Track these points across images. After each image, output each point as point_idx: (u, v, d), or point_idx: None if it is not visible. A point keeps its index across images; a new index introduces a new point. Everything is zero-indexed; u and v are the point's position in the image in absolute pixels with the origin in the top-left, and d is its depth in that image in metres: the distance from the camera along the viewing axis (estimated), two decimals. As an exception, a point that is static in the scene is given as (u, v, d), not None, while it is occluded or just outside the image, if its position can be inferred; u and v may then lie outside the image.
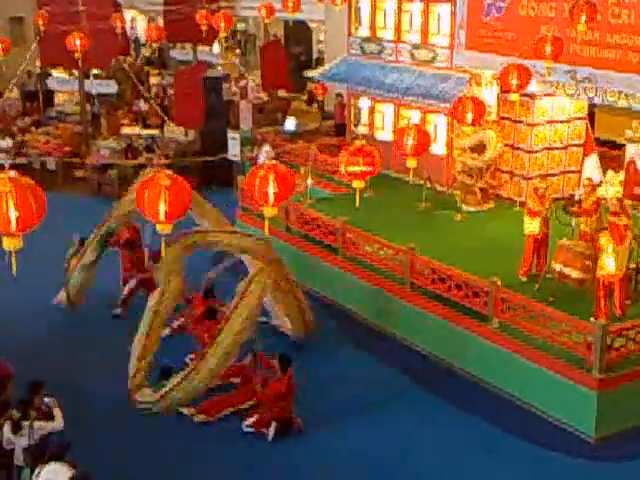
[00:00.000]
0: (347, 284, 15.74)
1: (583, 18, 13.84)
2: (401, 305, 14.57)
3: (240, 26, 35.42)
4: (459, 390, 13.11)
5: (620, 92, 15.24)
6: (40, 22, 24.59)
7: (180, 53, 33.73)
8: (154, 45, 26.85)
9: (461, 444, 11.72)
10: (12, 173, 7.80)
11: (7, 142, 24.24)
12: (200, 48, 30.24)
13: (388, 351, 14.35)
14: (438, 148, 18.49)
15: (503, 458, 11.43)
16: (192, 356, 13.10)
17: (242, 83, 28.74)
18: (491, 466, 11.26)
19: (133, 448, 11.55)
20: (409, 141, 13.23)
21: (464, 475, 11.11)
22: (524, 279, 14.05)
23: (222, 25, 23.42)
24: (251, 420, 11.91)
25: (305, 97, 29.29)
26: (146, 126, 26.18)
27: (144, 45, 35.01)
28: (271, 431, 11.73)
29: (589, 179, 14.40)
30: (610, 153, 18.71)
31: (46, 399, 9.94)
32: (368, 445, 11.68)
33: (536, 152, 17.61)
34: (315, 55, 33.86)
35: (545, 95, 17.11)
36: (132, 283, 15.38)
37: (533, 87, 15.98)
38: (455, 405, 12.67)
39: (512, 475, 11.10)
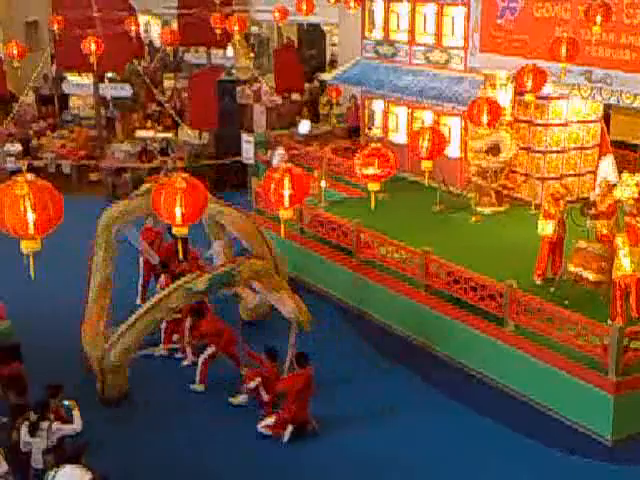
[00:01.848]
0: (361, 286, 15.73)
1: (598, 19, 13.81)
2: (415, 307, 14.55)
3: (254, 29, 35.46)
4: (474, 392, 13.08)
5: (636, 93, 15.19)
6: (55, 26, 24.71)
7: (194, 57, 33.83)
8: (168, 49, 26.92)
9: (476, 446, 11.69)
10: (30, 176, 7.82)
11: (16, 147, 24.36)
12: (214, 51, 30.31)
13: (402, 352, 14.34)
14: (453, 150, 18.46)
15: (519, 461, 11.39)
16: None
17: (256, 86, 28.77)
18: (507, 468, 11.22)
19: (145, 449, 11.58)
20: (424, 143, 13.21)
21: (477, 476, 11.08)
22: (539, 281, 14.02)
23: (236, 28, 23.47)
24: (267, 422, 11.90)
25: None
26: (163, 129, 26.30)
27: (158, 49, 35.13)
28: (287, 434, 11.73)
29: (605, 181, 14.35)
30: (626, 154, 18.65)
31: (65, 402, 9.98)
32: (379, 446, 11.66)
33: (551, 154, 17.57)
34: (328, 58, 33.86)
35: (560, 97, 17.06)
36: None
37: (548, 89, 15.95)
38: (470, 407, 12.64)
39: (529, 478, 11.07)
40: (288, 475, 11.15)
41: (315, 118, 26.71)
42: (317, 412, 12.07)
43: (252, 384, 12.37)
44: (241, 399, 12.66)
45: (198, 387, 13.11)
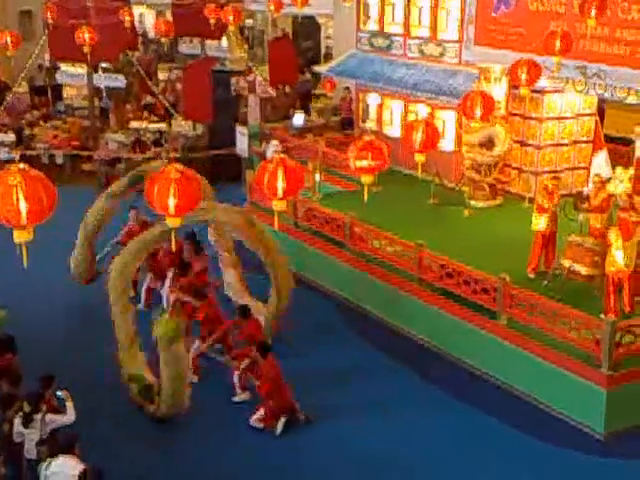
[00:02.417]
0: (355, 279, 15.73)
1: (593, 13, 13.79)
2: (409, 301, 14.55)
3: (248, 21, 35.36)
4: (467, 386, 13.10)
5: (630, 88, 15.18)
6: (49, 16, 24.62)
7: (188, 47, 33.71)
8: (163, 39, 26.78)
9: (468, 440, 11.71)
10: (22, 165, 7.78)
11: (9, 137, 24.25)
12: (208, 43, 30.22)
13: (396, 346, 14.35)
14: (447, 144, 18.47)
15: (512, 454, 11.42)
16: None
17: (250, 78, 28.71)
18: (499, 462, 11.25)
19: (142, 444, 11.59)
20: (418, 136, 13.17)
21: (472, 471, 11.10)
22: (532, 275, 14.04)
23: (231, 19, 23.38)
24: (258, 415, 11.89)
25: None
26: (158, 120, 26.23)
27: (152, 40, 34.98)
28: (280, 425, 11.74)
29: (598, 175, 14.36)
30: (619, 149, 18.65)
31: (59, 393, 9.96)
32: (374, 440, 11.66)
33: (545, 148, 17.58)
34: (323, 50, 33.80)
35: (554, 91, 17.05)
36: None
37: (543, 83, 15.93)
38: (462, 401, 12.66)
39: (521, 471, 11.08)
40: (287, 475, 11.09)
41: (308, 111, 26.70)
42: (316, 408, 12.10)
43: (236, 376, 12.53)
44: (244, 396, 12.63)
45: (192, 379, 13.10)
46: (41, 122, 26.46)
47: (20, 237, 7.85)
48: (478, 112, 14.72)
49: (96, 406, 11.84)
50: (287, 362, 12.29)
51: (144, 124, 25.41)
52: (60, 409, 9.94)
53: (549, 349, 12.23)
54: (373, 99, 21.11)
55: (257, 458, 11.36)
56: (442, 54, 18.90)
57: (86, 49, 21.87)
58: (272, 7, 23.89)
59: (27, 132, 25.24)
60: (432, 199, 17.79)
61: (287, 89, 27.32)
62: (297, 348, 12.89)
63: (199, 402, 12.45)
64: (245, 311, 12.96)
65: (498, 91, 17.24)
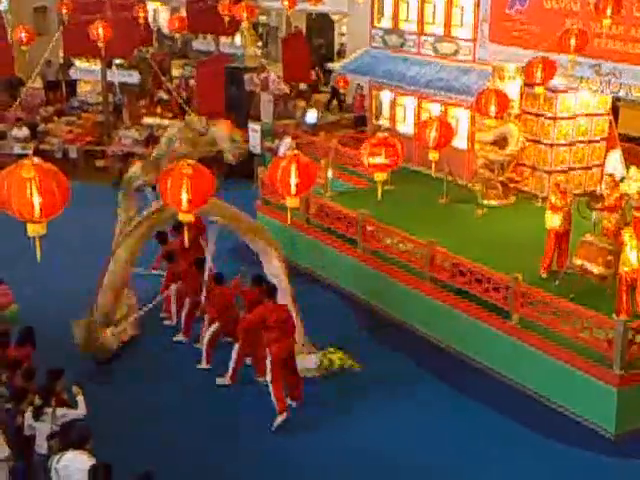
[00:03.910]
0: (367, 277, 15.72)
1: (608, 12, 13.74)
2: (421, 299, 14.53)
3: (262, 18, 35.36)
4: (478, 384, 13.07)
5: (645, 87, 15.12)
6: (64, 12, 24.72)
7: (202, 44, 33.78)
8: (178, 35, 26.88)
9: (480, 439, 11.69)
10: (36, 159, 7.82)
11: (24, 132, 24.37)
12: (222, 39, 30.25)
13: (406, 344, 14.33)
14: (460, 142, 18.40)
15: (522, 453, 11.39)
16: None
17: (263, 75, 28.72)
18: (510, 461, 11.22)
19: (150, 439, 11.55)
20: (431, 133, 13.16)
21: (483, 470, 11.07)
22: (545, 274, 13.99)
23: (244, 16, 23.40)
24: (277, 416, 11.71)
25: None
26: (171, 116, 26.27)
27: (166, 36, 35.06)
28: (278, 421, 11.70)
29: (612, 175, 14.31)
30: (634, 148, 18.58)
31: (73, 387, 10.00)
32: (380, 440, 11.62)
33: (558, 147, 17.51)
34: (337, 47, 33.79)
35: (569, 89, 16.99)
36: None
37: (557, 81, 15.88)
38: (473, 399, 12.63)
39: (531, 470, 11.05)
40: (288, 474, 11.06)
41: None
42: (319, 406, 12.11)
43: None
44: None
45: (204, 365, 13.21)
46: (55, 117, 26.58)
47: (34, 231, 7.89)
48: (493, 109, 14.69)
49: (104, 401, 11.86)
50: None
51: (157, 120, 25.46)
52: (71, 403, 9.96)
53: (561, 348, 12.18)
54: (386, 96, 21.08)
55: (257, 453, 11.32)
56: (456, 52, 18.85)
57: (100, 45, 21.93)
58: (286, 4, 23.88)
59: (41, 127, 25.34)
60: (444, 197, 17.72)
61: (300, 86, 27.33)
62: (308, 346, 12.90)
63: (204, 400, 12.51)
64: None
65: (512, 89, 17.19)
